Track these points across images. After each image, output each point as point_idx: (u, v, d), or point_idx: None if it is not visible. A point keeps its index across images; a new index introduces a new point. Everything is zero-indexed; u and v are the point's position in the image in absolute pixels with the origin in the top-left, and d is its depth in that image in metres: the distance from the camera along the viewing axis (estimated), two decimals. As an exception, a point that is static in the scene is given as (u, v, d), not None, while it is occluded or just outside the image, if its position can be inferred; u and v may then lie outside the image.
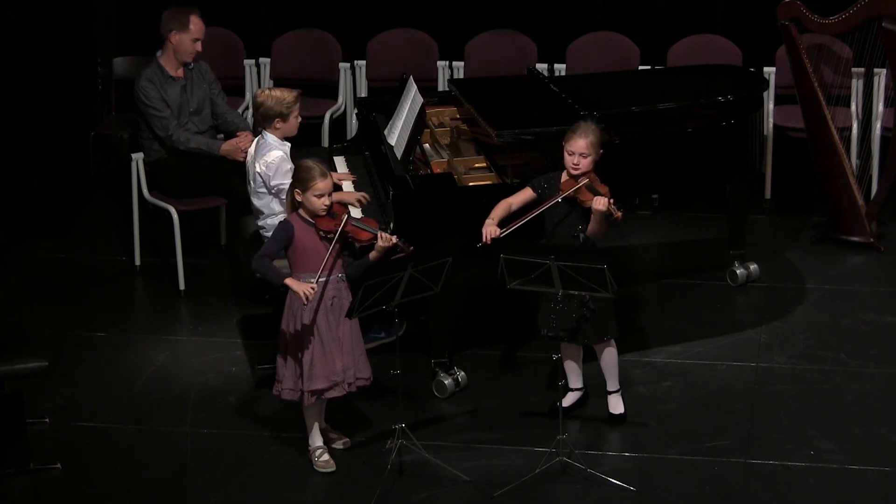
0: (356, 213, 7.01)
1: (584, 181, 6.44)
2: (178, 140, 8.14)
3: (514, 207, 6.62)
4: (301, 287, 6.18)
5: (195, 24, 8.22)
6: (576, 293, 6.30)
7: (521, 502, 6.16)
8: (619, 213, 6.36)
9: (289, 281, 6.23)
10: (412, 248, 6.39)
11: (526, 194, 6.65)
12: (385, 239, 6.32)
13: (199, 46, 8.26)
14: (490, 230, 6.50)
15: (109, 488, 6.36)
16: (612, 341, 6.64)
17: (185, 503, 6.27)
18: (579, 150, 6.45)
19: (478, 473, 6.34)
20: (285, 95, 7.07)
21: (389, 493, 6.22)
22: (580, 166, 6.46)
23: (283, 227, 6.31)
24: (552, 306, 6.51)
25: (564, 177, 6.55)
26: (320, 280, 6.23)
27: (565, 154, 6.51)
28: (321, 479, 6.39)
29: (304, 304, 6.21)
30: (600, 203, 6.34)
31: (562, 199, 6.47)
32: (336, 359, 6.32)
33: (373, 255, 6.37)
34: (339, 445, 6.57)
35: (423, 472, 6.35)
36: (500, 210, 6.60)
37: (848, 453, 6.46)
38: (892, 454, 6.45)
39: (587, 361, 6.80)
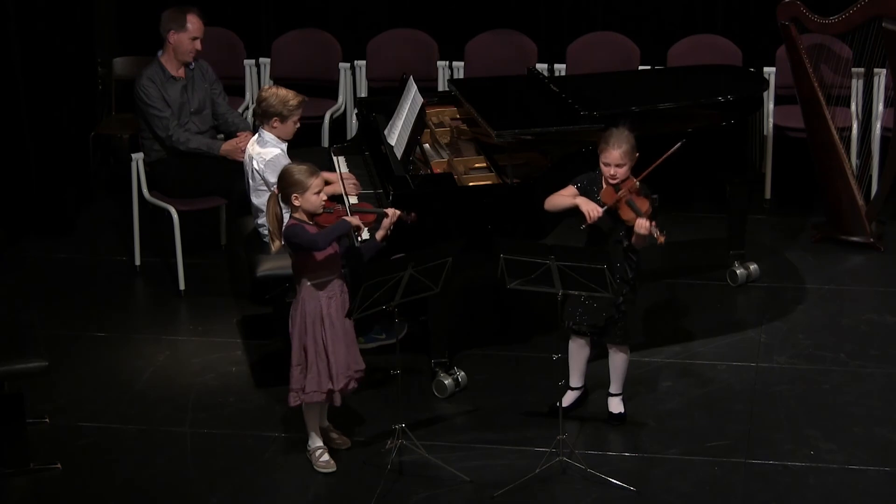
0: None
1: (624, 194, 6.33)
2: (178, 140, 8.14)
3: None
4: (354, 220, 6.26)
5: (192, 23, 8.21)
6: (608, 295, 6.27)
7: (521, 502, 6.16)
8: (662, 238, 6.26)
9: (348, 218, 6.27)
10: (414, 214, 6.40)
11: (570, 191, 6.53)
12: (392, 215, 6.35)
13: (198, 45, 8.25)
14: (595, 209, 6.35)
15: (109, 488, 6.36)
16: (627, 347, 6.65)
17: (185, 503, 6.28)
18: (614, 161, 6.36)
19: (478, 473, 6.34)
20: (290, 98, 7.06)
21: (389, 493, 6.23)
22: (617, 176, 6.37)
23: (298, 226, 6.21)
24: (581, 300, 6.48)
25: (605, 184, 6.45)
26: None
27: (601, 164, 6.42)
28: (321, 479, 6.39)
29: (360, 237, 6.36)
30: (642, 227, 6.25)
31: (603, 209, 6.40)
32: (349, 353, 6.34)
33: (380, 234, 6.37)
34: (340, 445, 6.56)
35: (423, 472, 6.35)
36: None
37: (848, 453, 6.46)
38: (892, 454, 6.45)
39: (591, 361, 6.79)
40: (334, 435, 6.58)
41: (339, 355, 6.29)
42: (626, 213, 6.33)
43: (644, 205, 6.32)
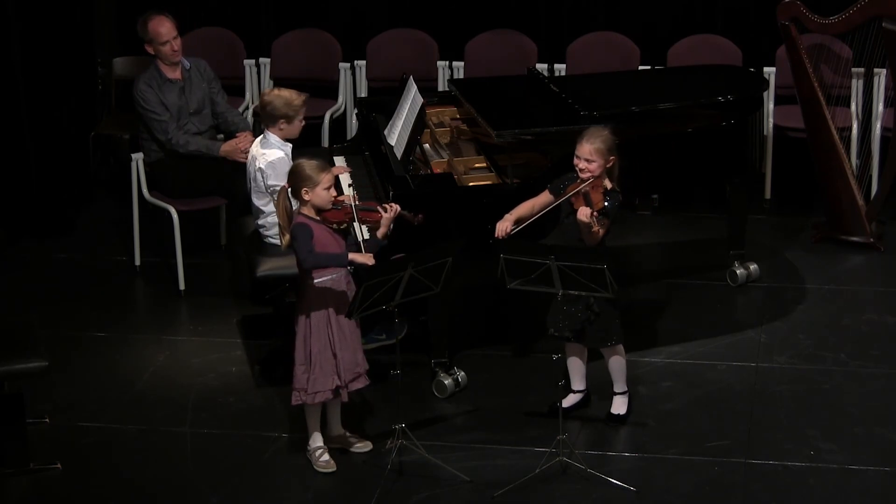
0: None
1: (586, 187, 6.41)
2: (177, 143, 8.13)
3: (535, 209, 6.61)
4: (365, 258, 6.20)
5: (154, 30, 8.11)
6: (580, 295, 6.29)
7: (521, 502, 6.16)
8: (597, 228, 6.33)
9: (353, 256, 6.22)
10: (421, 216, 6.39)
11: (545, 198, 6.61)
12: (391, 209, 6.32)
13: (173, 46, 8.14)
14: (504, 226, 6.51)
15: (109, 488, 6.37)
16: (619, 346, 6.64)
17: (185, 503, 6.28)
18: (584, 154, 6.44)
19: (478, 473, 6.34)
20: (294, 98, 7.08)
21: (389, 493, 6.23)
22: (586, 171, 6.44)
23: (304, 227, 6.20)
24: (561, 307, 6.50)
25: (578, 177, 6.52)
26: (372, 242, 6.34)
27: (574, 157, 6.50)
28: (321, 479, 6.39)
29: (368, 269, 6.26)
30: (582, 214, 6.33)
31: (562, 201, 6.46)
32: (355, 353, 6.34)
33: (381, 231, 6.36)
34: (361, 448, 6.54)
35: (423, 472, 6.35)
36: (521, 209, 6.60)
37: (848, 453, 6.46)
38: (892, 454, 6.45)
39: (591, 361, 6.79)
40: (353, 439, 6.55)
41: (347, 353, 6.29)
42: (578, 203, 6.38)
43: (599, 202, 6.36)
